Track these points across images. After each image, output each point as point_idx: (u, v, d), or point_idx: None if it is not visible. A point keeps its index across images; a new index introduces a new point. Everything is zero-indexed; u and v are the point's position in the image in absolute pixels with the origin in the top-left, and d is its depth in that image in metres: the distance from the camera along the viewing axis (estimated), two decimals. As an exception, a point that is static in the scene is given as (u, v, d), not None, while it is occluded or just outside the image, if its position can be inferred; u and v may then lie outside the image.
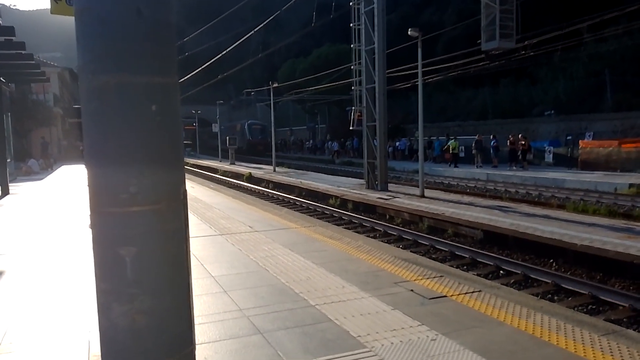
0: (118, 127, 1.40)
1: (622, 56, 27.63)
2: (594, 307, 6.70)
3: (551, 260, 8.78)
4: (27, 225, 9.56)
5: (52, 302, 5.02)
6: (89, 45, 1.41)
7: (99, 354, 3.67)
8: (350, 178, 22.17)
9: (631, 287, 7.38)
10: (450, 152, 27.20)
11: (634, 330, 5.26)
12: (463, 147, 29.59)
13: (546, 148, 25.59)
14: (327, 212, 14.47)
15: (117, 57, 1.39)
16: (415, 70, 17.75)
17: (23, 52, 11.67)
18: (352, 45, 17.06)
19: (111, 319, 1.44)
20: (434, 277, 5.64)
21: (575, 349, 3.72)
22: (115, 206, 1.41)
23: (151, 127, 1.43)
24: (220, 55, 23.28)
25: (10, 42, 10.76)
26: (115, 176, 1.41)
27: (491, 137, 26.31)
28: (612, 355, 3.60)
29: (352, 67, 17.44)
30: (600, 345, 3.78)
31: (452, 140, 27.68)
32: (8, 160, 17.88)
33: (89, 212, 5.61)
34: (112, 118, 1.40)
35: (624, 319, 6.20)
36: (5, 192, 14.62)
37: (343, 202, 15.58)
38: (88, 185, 1.47)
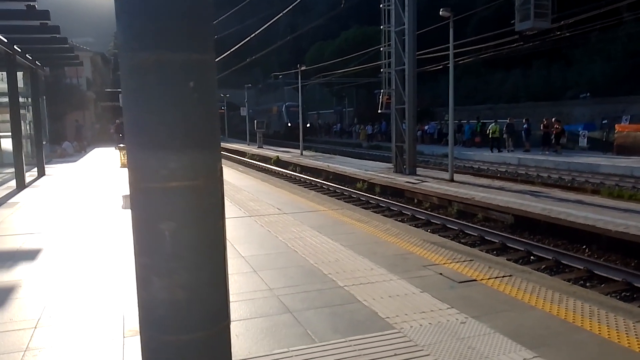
0: (157, 104, 1.42)
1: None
2: (627, 294, 6.57)
3: (584, 247, 8.62)
4: (62, 206, 9.83)
5: (87, 279, 5.18)
6: (128, 23, 1.42)
7: (134, 328, 3.80)
8: (377, 162, 22.06)
9: (667, 274, 7.19)
10: (491, 136, 26.01)
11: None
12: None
13: (580, 132, 24.92)
14: (355, 196, 14.46)
15: (156, 35, 1.40)
16: (445, 53, 17.47)
17: (58, 36, 11.87)
18: (381, 27, 16.86)
19: (151, 292, 1.48)
20: (464, 261, 5.60)
21: (609, 334, 3.66)
22: (154, 182, 1.43)
23: (189, 104, 1.44)
24: (248, 38, 23.27)
25: (45, 26, 10.93)
26: (155, 152, 1.43)
27: (523, 120, 25.76)
28: (647, 341, 3.53)
29: (381, 49, 17.27)
30: (635, 331, 3.71)
31: (493, 124, 26.35)
32: (44, 142, 18.38)
33: (122, 193, 5.76)
34: (152, 95, 1.42)
35: (660, 307, 6.05)
36: (42, 174, 15.05)
37: (370, 186, 15.54)
38: (128, 162, 1.50)
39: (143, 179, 1.46)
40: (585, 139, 24.37)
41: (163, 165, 1.43)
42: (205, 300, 1.51)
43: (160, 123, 1.43)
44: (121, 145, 18.67)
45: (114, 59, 65.89)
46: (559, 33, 18.25)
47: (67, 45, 14.52)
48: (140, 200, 1.48)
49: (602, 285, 6.88)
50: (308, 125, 44.02)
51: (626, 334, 3.67)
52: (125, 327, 3.90)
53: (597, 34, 23.94)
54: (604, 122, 24.82)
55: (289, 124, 45.74)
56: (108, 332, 3.83)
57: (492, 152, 25.36)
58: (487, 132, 26.66)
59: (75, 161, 21.59)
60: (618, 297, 6.34)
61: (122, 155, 17.25)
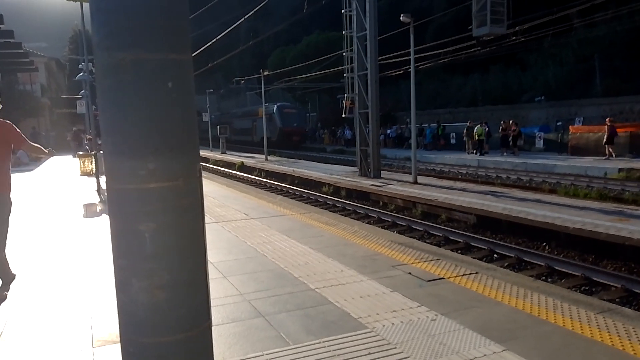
0: (135, 104, 1.40)
1: (611, 41, 27.79)
2: (587, 288, 6.82)
3: (544, 244, 8.90)
4: (22, 216, 9.47)
5: (52, 290, 5.01)
6: (104, 22, 1.40)
7: (102, 338, 3.70)
8: (342, 166, 22.21)
9: (623, 269, 7.51)
10: (477, 138, 25.33)
11: (629, 308, 5.35)
12: (454, 134, 29.78)
13: (536, 134, 25.79)
14: (321, 200, 14.51)
15: (133, 34, 1.38)
16: (406, 58, 17.78)
17: (11, 40, 11.50)
18: (343, 32, 17.01)
19: (130, 295, 1.46)
20: (431, 260, 5.70)
21: (572, 326, 3.80)
22: (133, 183, 1.41)
23: (167, 104, 1.43)
24: (209, 43, 23.09)
25: (-3, 30, 10.59)
26: (133, 153, 1.41)
27: (483, 123, 26.47)
28: (608, 331, 3.68)
29: (343, 53, 17.40)
30: (597, 322, 3.86)
31: (478, 126, 25.55)
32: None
33: (83, 202, 5.57)
34: (129, 95, 1.40)
35: (617, 299, 6.30)
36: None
37: (336, 190, 15.62)
38: (104, 163, 1.47)
39: (121, 180, 1.44)
40: (541, 141, 25.22)
41: (141, 166, 1.42)
42: (185, 301, 1.50)
43: (137, 123, 1.41)
44: (80, 152, 18.15)
45: (70, 65, 64.02)
46: (514, 38, 18.84)
47: (22, 51, 14.08)
48: (119, 202, 1.46)
49: (563, 280, 7.12)
50: (307, 130, 39.98)
51: (588, 324, 3.81)
52: (94, 337, 3.79)
53: (550, 39, 24.81)
54: (558, 124, 25.77)
55: (283, 129, 39.72)
56: (76, 343, 3.72)
57: (475, 154, 25.22)
58: (474, 134, 25.89)
59: (31, 170, 20.85)
60: (578, 291, 6.57)
61: (81, 163, 16.78)
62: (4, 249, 5.01)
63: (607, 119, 21.83)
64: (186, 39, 1.49)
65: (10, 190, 4.94)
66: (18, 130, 5.09)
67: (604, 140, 20.77)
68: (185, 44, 1.49)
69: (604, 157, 20.33)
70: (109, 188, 1.47)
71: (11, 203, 4.98)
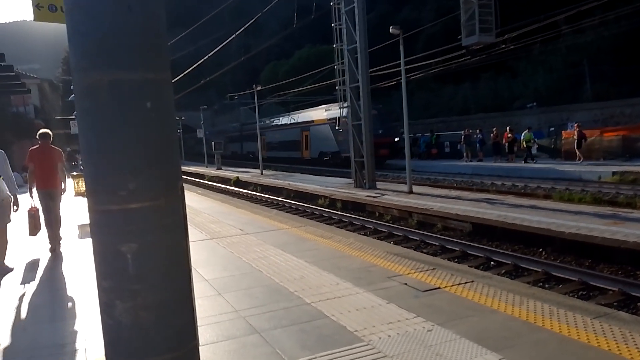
0: (113, 124, 1.40)
1: (598, 47, 28.09)
2: (584, 292, 6.80)
3: (540, 250, 8.89)
4: (15, 236, 9.41)
5: (47, 311, 4.96)
6: (80, 43, 1.40)
7: (97, 358, 3.65)
8: (337, 178, 22.21)
9: (619, 272, 7.51)
10: (525, 145, 23.56)
11: (626, 312, 5.34)
12: (448, 143, 29.89)
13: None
14: (317, 212, 14.48)
15: (110, 54, 1.39)
16: (397, 69, 17.88)
17: (3, 63, 11.52)
18: (334, 45, 17.12)
19: (115, 317, 1.44)
20: (426, 270, 5.68)
21: (568, 332, 3.78)
22: (114, 203, 1.41)
23: (146, 124, 1.43)
24: (202, 60, 23.21)
25: (-12, 54, 10.62)
26: (113, 174, 1.41)
27: (477, 131, 26.60)
28: (605, 336, 3.67)
29: (335, 67, 17.50)
30: (593, 327, 3.85)
31: (526, 132, 23.91)
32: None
33: (77, 223, 5.61)
34: (107, 115, 1.40)
35: (614, 303, 6.30)
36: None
37: (332, 202, 15.61)
38: (85, 185, 1.47)
39: (102, 201, 1.44)
40: (535, 147, 25.33)
41: (122, 186, 1.41)
42: (171, 321, 1.49)
43: (117, 144, 1.41)
44: (74, 173, 18.10)
45: (63, 86, 64.07)
46: (503, 46, 19.02)
47: (13, 73, 14.10)
48: (100, 223, 1.45)
49: (560, 285, 7.10)
50: (397, 139, 28.82)
51: (585, 330, 3.80)
52: (88, 358, 3.75)
53: (539, 46, 25.08)
54: (551, 129, 25.92)
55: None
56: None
57: (524, 162, 23.08)
58: (522, 141, 23.88)
59: (25, 192, 20.73)
60: (575, 296, 6.55)
61: (75, 184, 16.73)
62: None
63: (576, 124, 22.25)
64: (164, 58, 1.50)
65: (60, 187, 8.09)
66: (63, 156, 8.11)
67: (575, 144, 21.35)
68: (164, 63, 1.49)
69: (577, 161, 20.84)
70: (91, 209, 1.47)
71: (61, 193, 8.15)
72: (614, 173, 17.20)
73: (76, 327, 4.45)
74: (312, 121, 32.45)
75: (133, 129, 1.42)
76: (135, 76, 1.42)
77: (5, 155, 6.88)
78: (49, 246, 7.94)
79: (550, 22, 18.72)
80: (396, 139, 28.32)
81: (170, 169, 1.50)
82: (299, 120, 34.96)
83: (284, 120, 39.12)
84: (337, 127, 21.04)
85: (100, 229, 1.45)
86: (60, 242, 8.19)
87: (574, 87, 30.11)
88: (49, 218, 7.87)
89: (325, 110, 29.54)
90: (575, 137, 21.74)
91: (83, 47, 1.41)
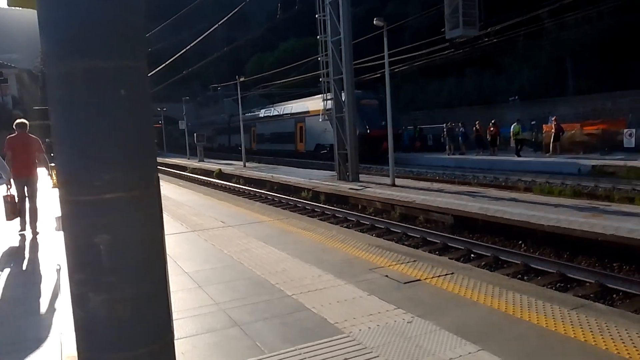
0: (87, 113, 1.37)
1: (581, 43, 28.38)
2: (562, 284, 6.91)
3: (520, 242, 9.00)
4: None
5: (21, 304, 4.88)
6: (53, 31, 1.37)
7: (72, 354, 3.61)
8: (321, 170, 22.19)
9: (597, 264, 7.64)
10: (514, 137, 22.98)
11: (602, 303, 5.44)
12: (431, 136, 30.04)
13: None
14: (300, 205, 14.47)
15: (84, 42, 1.35)
16: (382, 61, 17.87)
17: (-22, 51, 11.25)
18: (318, 37, 17.04)
19: (88, 310, 1.42)
20: (408, 262, 5.72)
21: (546, 323, 3.83)
22: (88, 194, 1.38)
23: (121, 112, 1.40)
24: (184, 50, 22.95)
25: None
26: (87, 164, 1.38)
27: (459, 124, 26.76)
28: (581, 328, 3.73)
29: (319, 58, 17.43)
30: (570, 319, 3.91)
31: (515, 125, 23.08)
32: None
33: (55, 215, 5.53)
34: (81, 104, 1.37)
35: (592, 295, 6.41)
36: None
37: (315, 195, 15.60)
38: (58, 175, 1.44)
39: (75, 192, 1.40)
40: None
41: (97, 176, 1.39)
42: (147, 315, 1.47)
43: (91, 133, 1.38)
44: (52, 164, 17.80)
45: (42, 76, 62.89)
46: (487, 40, 19.13)
47: (-10, 62, 13.77)
48: (73, 214, 1.42)
49: (539, 277, 7.21)
50: (400, 131, 26.93)
51: (562, 322, 3.86)
52: (64, 353, 3.70)
53: (523, 41, 25.28)
54: (532, 123, 26.18)
55: (368, 133, 25.51)
56: (44, 359, 3.62)
57: (516, 155, 22.45)
58: (511, 134, 23.30)
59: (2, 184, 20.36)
60: (554, 288, 6.65)
61: (53, 175, 16.46)
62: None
63: (553, 118, 22.53)
64: (140, 46, 1.47)
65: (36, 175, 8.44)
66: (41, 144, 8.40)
67: (552, 137, 21.67)
68: (139, 51, 1.46)
69: (547, 154, 21.10)
70: (63, 200, 1.43)
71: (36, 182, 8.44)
72: (593, 166, 17.46)
73: (52, 321, 4.39)
74: (308, 112, 29.73)
75: (108, 118, 1.39)
76: (110, 64, 1.39)
77: None
78: (19, 228, 8.35)
79: (534, 16, 18.86)
80: (400, 130, 26.92)
81: (146, 160, 1.47)
82: (294, 111, 32.51)
83: (276, 110, 36.65)
84: (320, 120, 20.85)
85: (73, 220, 1.42)
86: (37, 235, 8.30)
87: (558, 83, 30.42)
88: (22, 206, 8.23)
89: (324, 100, 28.91)
90: (553, 130, 22.06)
91: (56, 35, 1.37)
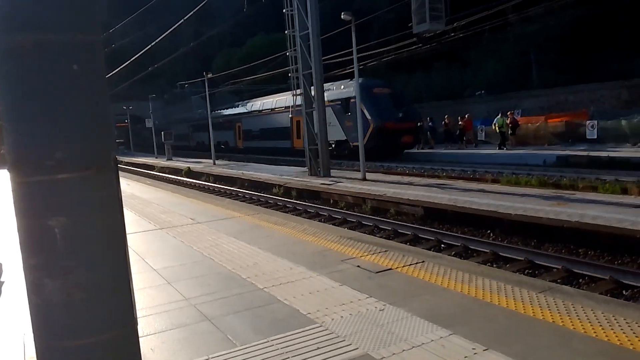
0: (38, 89, 1.29)
1: (545, 36, 29.02)
2: (530, 271, 7.04)
3: (489, 231, 9.14)
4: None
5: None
6: (1, 2, 1.29)
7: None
8: (292, 167, 22.12)
9: (563, 250, 7.81)
10: (498, 131, 22.40)
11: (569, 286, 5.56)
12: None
13: (478, 127, 26.60)
14: (272, 201, 14.39)
15: (33, 13, 1.28)
16: (350, 57, 17.89)
17: None
18: (286, 32, 16.95)
19: (44, 296, 1.34)
20: (379, 253, 5.73)
21: (516, 307, 3.89)
22: (40, 174, 1.30)
23: (74, 89, 1.32)
24: (150, 46, 22.51)
25: None
26: (38, 142, 1.30)
27: (428, 119, 27.07)
28: (549, 309, 3.80)
29: (287, 54, 17.34)
30: (539, 302, 3.97)
31: (498, 117, 22.50)
32: None
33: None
34: (31, 80, 1.29)
35: (558, 280, 6.54)
36: None
37: (287, 191, 15.53)
38: (7, 155, 1.36)
39: (26, 172, 1.33)
40: (483, 133, 26.04)
41: (48, 155, 1.31)
42: (106, 300, 1.40)
43: (42, 110, 1.31)
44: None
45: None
46: (453, 34, 19.37)
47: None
48: (25, 196, 1.34)
49: (508, 265, 7.33)
50: (419, 124, 24.82)
51: (530, 304, 3.92)
52: (27, 354, 3.57)
53: (488, 35, 25.70)
54: (498, 117, 26.68)
55: (382, 125, 22.51)
56: (6, 358, 3.49)
57: (498, 149, 22.26)
58: (494, 126, 23.08)
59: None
60: (522, 274, 6.77)
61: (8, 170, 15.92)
62: None
63: (509, 113, 23.01)
64: (94, 19, 1.39)
65: None
66: None
67: (509, 131, 22.22)
68: (94, 24, 1.39)
69: (500, 148, 21.49)
70: (13, 181, 1.35)
71: None
72: (557, 157, 17.89)
73: (15, 321, 4.23)
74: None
75: (60, 94, 1.32)
76: (63, 37, 1.32)
77: None
78: None
79: (499, 10, 19.19)
80: (418, 124, 24.50)
81: (102, 138, 1.40)
82: (288, 104, 26.85)
83: (267, 104, 33.17)
84: (289, 114, 20.46)
85: (25, 203, 1.34)
86: None
87: (523, 75, 31.10)
88: None
89: (326, 90, 24.33)
90: (509, 124, 22.48)
91: (4, 6, 1.29)
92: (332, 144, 23.68)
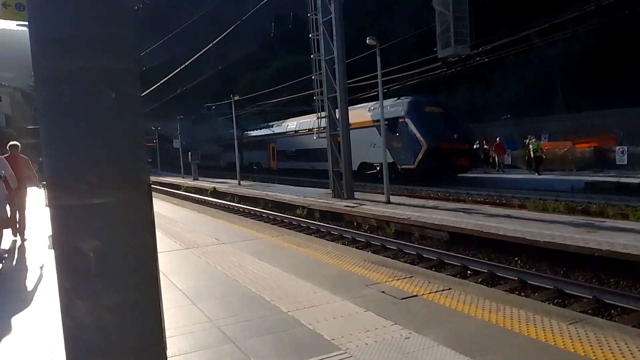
0: (75, 115, 1.33)
1: (570, 59, 28.78)
2: (559, 300, 6.85)
3: (516, 258, 8.96)
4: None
5: (12, 327, 4.77)
6: (42, 31, 1.33)
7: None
8: (315, 188, 22.16)
9: (593, 279, 7.60)
10: (532, 155, 21.44)
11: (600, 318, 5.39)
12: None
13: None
14: (295, 222, 14.39)
15: (73, 43, 1.32)
16: (374, 80, 18.00)
17: (-29, 70, 11.24)
18: (312, 56, 17.17)
19: (76, 318, 1.36)
20: (404, 278, 5.65)
21: (545, 337, 3.78)
22: (75, 199, 1.33)
23: (110, 115, 1.36)
24: (179, 69, 23.05)
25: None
26: (75, 168, 1.34)
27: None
28: (580, 341, 3.68)
29: (312, 77, 17.53)
30: (569, 333, 3.86)
31: (533, 140, 21.59)
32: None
33: (48, 233, 5.47)
34: (69, 106, 1.33)
35: (589, 310, 6.35)
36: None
37: (310, 212, 15.53)
38: (46, 179, 1.39)
39: (62, 196, 1.36)
40: (509, 157, 25.72)
41: (83, 181, 1.34)
42: (136, 323, 1.41)
43: (79, 136, 1.34)
44: (45, 182, 17.68)
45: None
46: (478, 59, 19.32)
47: (-17, 80, 13.75)
48: (60, 220, 1.37)
49: (536, 293, 7.15)
50: (476, 146, 23.57)
51: (561, 335, 3.80)
52: (52, 371, 3.60)
53: (513, 58, 25.57)
54: (525, 140, 26.36)
55: (434, 146, 20.67)
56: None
57: (531, 173, 21.65)
58: (528, 150, 22.28)
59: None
60: (551, 303, 6.59)
61: (47, 193, 16.34)
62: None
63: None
64: (131, 48, 1.43)
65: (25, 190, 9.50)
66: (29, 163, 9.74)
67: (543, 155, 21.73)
68: (130, 53, 1.43)
69: (537, 173, 20.97)
70: (51, 205, 1.39)
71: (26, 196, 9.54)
72: (586, 183, 17.53)
73: (45, 341, 4.28)
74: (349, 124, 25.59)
75: (96, 121, 1.35)
76: (100, 65, 1.36)
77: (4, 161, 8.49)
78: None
79: (524, 35, 19.13)
80: (475, 146, 22.58)
81: (135, 163, 1.43)
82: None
83: (304, 123, 30.88)
84: (315, 137, 20.37)
85: (61, 226, 1.37)
86: (25, 241, 9.40)
87: (546, 98, 30.79)
88: (12, 214, 9.22)
89: (371, 110, 23.15)
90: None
91: (45, 35, 1.34)
92: (377, 166, 22.84)
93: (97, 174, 1.34)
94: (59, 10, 1.31)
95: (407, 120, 21.27)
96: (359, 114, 22.80)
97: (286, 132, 34.13)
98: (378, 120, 21.86)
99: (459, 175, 22.75)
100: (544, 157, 21.95)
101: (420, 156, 20.81)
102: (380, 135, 21.88)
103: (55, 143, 1.35)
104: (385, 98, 16.68)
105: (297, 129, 32.59)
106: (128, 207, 1.39)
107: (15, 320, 4.89)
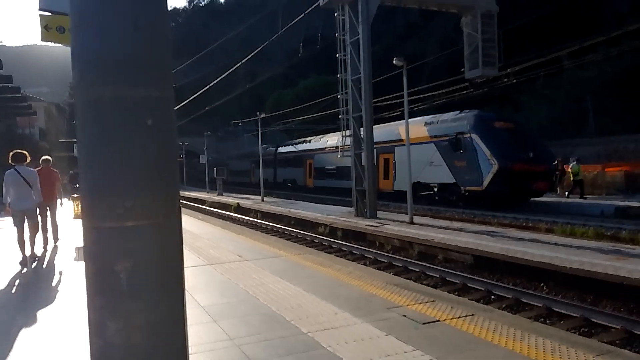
0: (113, 140, 1.40)
1: (602, 82, 28.36)
2: (586, 329, 6.67)
3: (542, 284, 8.77)
4: (11, 260, 9.36)
5: (41, 343, 4.88)
6: (84, 58, 1.41)
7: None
8: (339, 206, 22.14)
9: (622, 309, 7.37)
10: (572, 178, 20.20)
11: (629, 350, 5.23)
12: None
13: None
14: (317, 241, 14.39)
15: (113, 70, 1.39)
16: (400, 100, 18.02)
17: (10, 85, 11.67)
18: (338, 75, 17.32)
19: (106, 338, 1.40)
20: (427, 302, 5.59)
21: (571, 369, 3.69)
22: (110, 221, 1.39)
23: (147, 141, 1.42)
24: (207, 87, 23.49)
25: (-3, 75, 10.79)
26: (111, 190, 1.40)
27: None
28: (608, 374, 3.57)
29: (339, 96, 17.66)
30: (596, 365, 3.75)
31: (574, 164, 20.17)
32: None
33: (75, 245, 5.62)
34: (108, 131, 1.40)
35: (617, 341, 6.16)
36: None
37: (332, 230, 15.52)
38: (81, 200, 1.45)
39: (98, 217, 1.41)
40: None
41: (119, 203, 1.40)
42: (163, 342, 1.45)
43: (116, 160, 1.40)
44: (75, 195, 18.12)
45: (69, 109, 64.82)
46: (506, 80, 19.19)
47: (20, 95, 14.26)
48: (95, 240, 1.43)
49: (562, 321, 6.98)
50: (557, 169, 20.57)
51: (587, 367, 3.70)
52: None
53: (542, 81, 25.32)
54: (554, 164, 25.94)
55: (508, 167, 18.37)
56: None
57: (569, 197, 20.39)
58: (568, 174, 21.07)
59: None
60: (577, 332, 6.42)
61: (75, 206, 16.71)
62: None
63: (558, 160, 21.75)
64: (168, 76, 1.50)
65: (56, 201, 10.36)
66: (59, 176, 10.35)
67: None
68: (167, 81, 1.49)
69: (581, 197, 20.06)
70: (86, 226, 1.44)
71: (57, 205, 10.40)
72: (616, 208, 17.12)
73: (70, 354, 4.36)
74: (400, 139, 22.15)
75: (133, 146, 1.41)
76: (138, 92, 1.42)
77: (36, 174, 8.80)
78: (41, 246, 9.81)
79: (553, 57, 18.94)
80: (554, 164, 19.87)
81: (169, 188, 1.48)
82: (375, 140, 19.98)
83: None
84: (339, 155, 19.93)
85: (95, 247, 1.43)
86: (57, 242, 10.49)
87: (577, 122, 30.32)
88: (44, 224, 9.88)
89: (427, 124, 21.44)
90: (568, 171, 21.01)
91: (87, 63, 1.41)
92: (435, 186, 21.37)
93: (132, 198, 1.40)
94: (102, 35, 1.39)
95: (473, 136, 19.31)
96: (412, 129, 19.16)
97: (325, 148, 31.52)
98: (437, 136, 21.02)
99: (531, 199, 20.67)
100: (559, 179, 20.73)
101: (490, 177, 18.59)
102: (440, 152, 20.86)
103: (92, 167, 1.42)
104: (410, 117, 16.61)
105: (337, 144, 30.35)
106: (160, 229, 1.44)
107: (41, 316, 4.99)
